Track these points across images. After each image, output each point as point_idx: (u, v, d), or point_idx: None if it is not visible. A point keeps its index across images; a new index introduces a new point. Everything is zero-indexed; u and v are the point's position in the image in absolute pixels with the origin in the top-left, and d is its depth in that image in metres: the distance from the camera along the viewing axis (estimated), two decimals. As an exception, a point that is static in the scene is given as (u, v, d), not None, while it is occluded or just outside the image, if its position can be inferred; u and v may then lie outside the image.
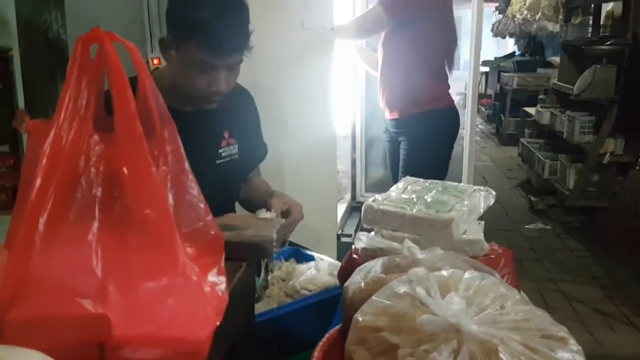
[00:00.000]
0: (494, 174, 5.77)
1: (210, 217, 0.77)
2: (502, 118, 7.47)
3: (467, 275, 0.72)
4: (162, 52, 1.39)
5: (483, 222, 1.12)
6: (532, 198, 4.59)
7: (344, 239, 2.70)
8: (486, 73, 10.06)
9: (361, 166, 3.38)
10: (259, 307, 1.29)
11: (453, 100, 2.50)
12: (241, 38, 1.33)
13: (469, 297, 0.68)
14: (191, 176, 0.75)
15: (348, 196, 3.27)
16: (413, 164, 2.43)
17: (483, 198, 1.10)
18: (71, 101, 0.63)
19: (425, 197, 1.09)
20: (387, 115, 2.56)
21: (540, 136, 5.40)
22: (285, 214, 1.40)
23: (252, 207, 1.66)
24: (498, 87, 8.29)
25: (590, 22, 4.85)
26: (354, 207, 3.26)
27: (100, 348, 0.57)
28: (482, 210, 1.09)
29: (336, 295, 1.31)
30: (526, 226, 4.09)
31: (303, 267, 1.47)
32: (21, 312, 0.56)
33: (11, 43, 1.60)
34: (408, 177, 1.23)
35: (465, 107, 3.01)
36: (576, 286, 3.16)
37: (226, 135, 1.58)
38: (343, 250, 2.55)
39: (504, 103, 7.45)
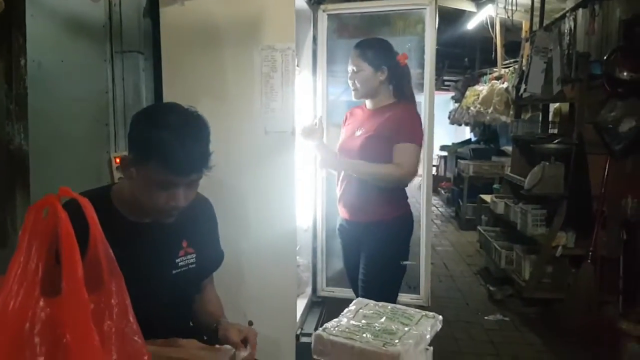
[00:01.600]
0: (454, 260, 5.86)
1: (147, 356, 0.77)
2: (460, 203, 7.69)
3: None
4: (123, 169, 1.42)
5: (431, 349, 1.14)
6: (491, 287, 4.66)
7: (303, 339, 2.66)
8: (445, 157, 10.46)
9: (322, 259, 3.39)
10: None
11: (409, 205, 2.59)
12: (201, 159, 1.38)
13: None
14: (135, 327, 0.77)
15: (309, 290, 3.26)
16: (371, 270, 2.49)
17: (430, 325, 1.13)
18: (20, 267, 0.65)
19: (375, 324, 1.12)
20: (345, 215, 2.61)
21: (496, 224, 5.56)
22: (243, 343, 1.41)
23: (201, 327, 1.66)
24: (456, 172, 8.59)
25: (540, 117, 5.15)
26: (315, 302, 3.24)
27: None
28: (429, 338, 1.12)
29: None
30: (485, 317, 4.13)
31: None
32: None
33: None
34: (359, 299, 1.26)
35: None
36: (535, 382, 3.16)
37: (184, 244, 1.60)
38: (302, 350, 2.53)
39: (461, 188, 7.70)
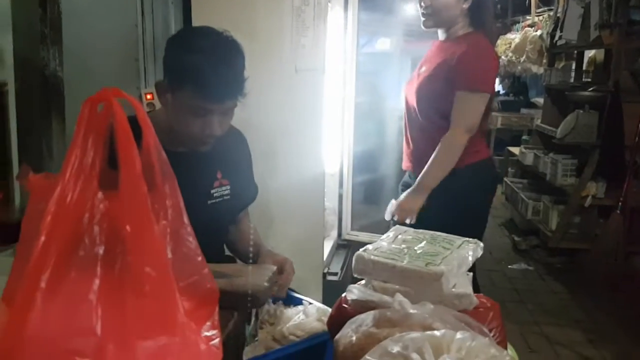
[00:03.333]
0: (478, 212, 5.82)
1: (206, 270, 0.78)
2: (487, 156, 7.57)
3: (458, 335, 0.74)
4: (159, 95, 1.41)
5: (471, 274, 1.14)
6: (516, 238, 4.64)
7: (330, 278, 2.70)
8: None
9: (347, 204, 3.40)
10: (247, 352, 1.28)
11: (490, 152, 2.33)
12: (236, 85, 1.36)
13: (461, 358, 0.70)
14: (189, 229, 0.77)
15: (335, 233, 3.28)
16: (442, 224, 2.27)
17: (472, 250, 1.12)
18: (77, 159, 0.64)
19: (415, 247, 1.11)
20: (410, 167, 2.36)
21: (523, 176, 5.49)
22: (278, 271, 1.42)
23: (239, 255, 1.67)
24: (483, 125, 8.42)
25: (573, 67, 4.99)
26: (340, 245, 3.26)
27: (97, 408, 0.58)
28: (470, 262, 1.11)
29: (324, 342, 1.31)
30: (509, 266, 4.13)
31: (291, 311, 1.47)
32: (19, 371, 0.56)
33: (7, 78, 1.61)
34: (398, 227, 1.25)
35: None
36: (558, 329, 3.17)
37: (219, 176, 1.59)
38: (329, 289, 2.57)
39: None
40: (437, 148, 2.09)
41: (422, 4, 2.10)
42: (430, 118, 2.18)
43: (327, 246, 3.02)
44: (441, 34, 2.20)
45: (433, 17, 2.10)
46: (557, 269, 4.09)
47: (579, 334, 3.14)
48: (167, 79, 1.37)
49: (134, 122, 0.74)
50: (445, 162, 2.10)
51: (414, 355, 0.66)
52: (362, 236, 3.29)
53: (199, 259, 0.76)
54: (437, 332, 0.75)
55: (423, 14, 2.12)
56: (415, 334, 0.70)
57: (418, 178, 2.15)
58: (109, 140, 0.73)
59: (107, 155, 0.75)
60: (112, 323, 0.60)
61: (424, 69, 2.20)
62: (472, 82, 2.04)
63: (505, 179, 5.72)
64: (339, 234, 3.33)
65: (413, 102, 2.21)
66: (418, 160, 2.25)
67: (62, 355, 0.57)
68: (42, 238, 0.61)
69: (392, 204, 2.28)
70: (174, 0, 2.33)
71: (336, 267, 2.89)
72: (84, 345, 0.58)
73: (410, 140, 2.33)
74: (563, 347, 2.98)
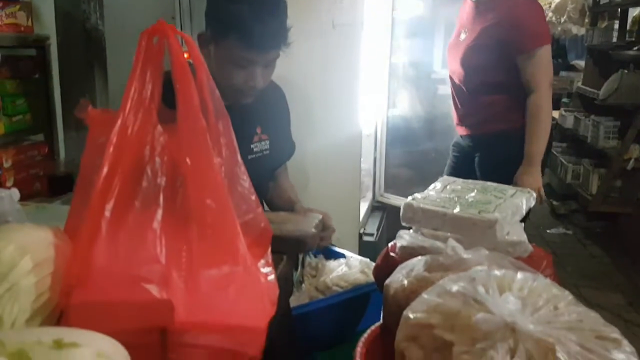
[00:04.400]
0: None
1: (260, 209, 0.78)
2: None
3: (519, 275, 0.72)
4: (201, 47, 1.40)
5: (523, 224, 1.11)
6: (554, 202, 4.55)
7: (365, 238, 2.70)
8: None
9: (380, 166, 3.37)
10: (291, 301, 1.29)
11: None
12: (279, 34, 1.34)
13: (524, 297, 0.68)
14: (243, 168, 0.76)
15: (370, 195, 3.27)
16: None
17: (525, 199, 1.09)
18: (136, 92, 0.64)
19: (466, 197, 1.09)
20: (463, 131, 2.29)
21: (563, 140, 5.34)
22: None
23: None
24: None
25: (616, 26, 4.78)
26: (375, 207, 3.25)
27: (163, 333, 0.58)
28: (524, 211, 1.08)
29: (368, 292, 1.32)
30: (548, 231, 4.06)
31: (333, 263, 1.48)
32: (86, 296, 0.57)
33: (49, 32, 1.63)
34: (446, 177, 1.23)
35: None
36: (598, 292, 3.12)
37: (259, 130, 1.59)
38: (365, 249, 2.57)
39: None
40: (529, 116, 2.00)
41: None
42: (485, 84, 2.10)
43: (363, 207, 3.01)
44: None
45: None
46: (597, 233, 4.01)
47: (619, 297, 3.09)
48: (210, 29, 1.36)
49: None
50: (545, 125, 2.03)
51: (480, 288, 0.65)
52: (394, 199, 3.27)
53: (253, 197, 0.76)
54: (497, 272, 0.73)
55: None
56: (476, 270, 0.68)
57: (526, 153, 2.02)
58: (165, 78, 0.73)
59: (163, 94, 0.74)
60: (176, 252, 0.60)
61: (466, 33, 2.11)
62: (539, 38, 1.97)
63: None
64: (373, 196, 3.32)
65: (459, 71, 2.14)
66: (472, 125, 2.22)
67: (129, 282, 0.58)
68: (105, 169, 0.61)
69: None
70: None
71: (372, 228, 2.89)
72: (150, 272, 0.58)
73: (460, 105, 2.25)
74: (602, 310, 2.92)
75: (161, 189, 0.62)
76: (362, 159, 3.16)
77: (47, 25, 1.66)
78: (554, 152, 4.96)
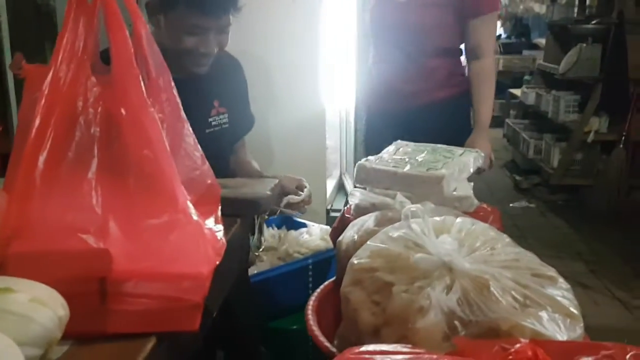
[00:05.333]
0: (480, 155, 5.82)
1: (206, 165, 0.78)
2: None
3: (459, 219, 0.74)
4: (149, 16, 1.37)
5: (472, 183, 1.14)
6: (517, 177, 4.65)
7: (333, 214, 2.71)
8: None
9: (348, 143, 3.38)
10: (252, 271, 1.30)
11: None
12: None
13: (461, 238, 0.70)
14: (187, 125, 0.76)
15: (337, 172, 3.28)
16: None
17: (473, 158, 1.12)
18: (69, 43, 0.63)
19: (417, 157, 1.11)
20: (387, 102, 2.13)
21: (525, 117, 5.45)
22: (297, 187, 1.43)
23: None
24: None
25: (577, 2, 4.87)
26: (342, 185, 3.27)
27: (101, 282, 0.58)
28: (471, 169, 1.11)
29: (328, 258, 1.33)
30: (511, 204, 4.15)
31: (295, 233, 1.49)
32: (23, 246, 0.57)
33: (-1, 10, 1.58)
34: (399, 141, 1.24)
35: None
36: (560, 261, 3.20)
37: (216, 104, 1.57)
38: (332, 225, 2.58)
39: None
40: (476, 81, 1.97)
41: None
42: (435, 47, 1.99)
43: (330, 185, 3.02)
44: None
45: None
46: (559, 205, 4.11)
47: (581, 265, 3.19)
48: None
49: None
50: (492, 93, 2.02)
51: (414, 226, 0.67)
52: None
53: (198, 154, 0.76)
54: (437, 218, 0.75)
55: None
56: (417, 220, 0.70)
57: (477, 120, 1.98)
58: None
59: (99, 50, 0.74)
60: (113, 202, 0.60)
61: None
62: (494, 2, 1.97)
63: (506, 120, 5.69)
64: (340, 174, 3.33)
65: (404, 32, 1.97)
66: (414, 94, 2.03)
67: (64, 232, 0.57)
68: (37, 121, 0.60)
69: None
70: None
71: (339, 204, 2.91)
72: (85, 222, 0.58)
73: (396, 71, 2.04)
74: (564, 278, 3.01)
75: (95, 139, 0.62)
76: (328, 136, 3.19)
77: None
78: (517, 129, 5.06)
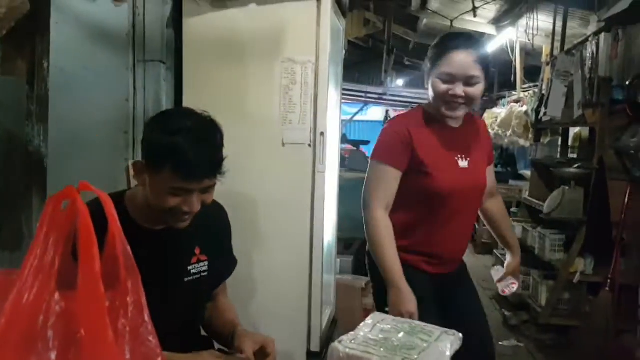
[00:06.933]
0: (468, 284, 5.78)
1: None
2: (477, 227, 7.59)
3: None
4: (136, 175, 1.41)
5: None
6: (506, 313, 4.57)
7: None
8: (462, 180, 10.38)
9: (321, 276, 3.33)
10: None
11: None
12: (214, 164, 1.37)
13: None
14: (150, 327, 0.75)
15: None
16: None
17: (450, 342, 1.09)
18: (37, 259, 0.63)
19: (393, 339, 1.09)
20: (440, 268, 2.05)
21: (513, 249, 5.46)
22: (260, 353, 1.38)
23: (215, 336, 1.63)
24: (473, 196, 8.49)
25: (560, 142, 5.09)
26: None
27: None
28: (449, 355, 1.08)
29: None
30: (500, 343, 4.03)
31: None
32: None
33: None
34: (376, 313, 1.23)
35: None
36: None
37: (197, 251, 1.58)
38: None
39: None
40: (500, 214, 2.22)
41: (456, 92, 1.82)
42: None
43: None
44: (454, 121, 1.96)
45: (468, 105, 1.89)
46: (548, 345, 4.01)
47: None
48: (145, 159, 1.38)
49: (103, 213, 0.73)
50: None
51: None
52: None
53: (159, 359, 0.73)
54: None
55: (456, 103, 1.85)
56: None
57: (512, 245, 2.24)
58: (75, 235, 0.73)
59: (71, 250, 0.74)
60: None
61: (466, 159, 1.95)
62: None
63: (495, 250, 5.71)
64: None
65: (467, 195, 1.95)
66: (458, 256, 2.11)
67: None
68: (-6, 342, 0.59)
69: (498, 269, 2.30)
70: (166, 77, 2.39)
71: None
72: None
73: (450, 236, 1.99)
74: None
75: (52, 362, 0.60)
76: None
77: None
78: (505, 261, 5.05)
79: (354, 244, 5.08)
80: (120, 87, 2.29)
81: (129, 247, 0.74)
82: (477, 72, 1.81)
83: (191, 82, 2.42)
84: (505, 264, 2.27)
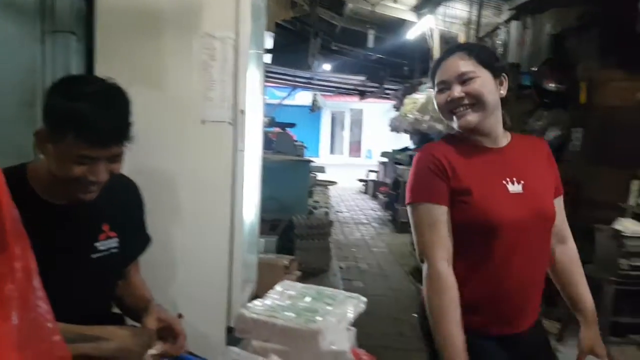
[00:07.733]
0: (388, 261, 6.02)
1: (57, 337, 0.74)
2: (397, 207, 7.85)
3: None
4: (38, 145, 1.34)
5: (355, 329, 1.16)
6: (421, 286, 4.77)
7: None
8: (384, 163, 10.67)
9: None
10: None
11: None
12: (120, 129, 1.33)
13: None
14: (40, 293, 0.73)
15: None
16: None
17: (353, 306, 1.14)
18: None
19: (299, 303, 1.12)
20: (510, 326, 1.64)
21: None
22: (165, 330, 1.36)
23: (129, 313, 1.60)
24: (395, 177, 8.76)
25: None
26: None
27: None
28: (352, 318, 1.13)
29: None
30: (414, 314, 4.21)
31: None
32: None
33: None
34: (286, 281, 1.26)
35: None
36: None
37: (105, 228, 1.53)
38: (233, 344, 2.49)
39: (398, 192, 7.87)
40: (578, 264, 1.73)
41: (454, 95, 1.56)
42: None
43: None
44: (489, 140, 1.62)
45: (477, 107, 1.57)
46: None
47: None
48: (48, 127, 1.32)
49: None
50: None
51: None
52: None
53: (50, 325, 0.72)
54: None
55: (461, 107, 1.57)
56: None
57: (585, 309, 1.70)
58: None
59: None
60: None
61: (519, 184, 1.58)
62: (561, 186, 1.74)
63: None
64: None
65: (531, 226, 1.57)
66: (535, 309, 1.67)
67: None
68: None
69: None
70: (76, 49, 2.29)
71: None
72: None
73: (529, 282, 1.61)
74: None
75: None
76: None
77: None
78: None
79: (279, 224, 5.13)
80: (27, 59, 2.17)
81: (16, 211, 0.71)
82: (468, 67, 1.56)
83: (104, 55, 2.32)
84: (579, 337, 1.70)
